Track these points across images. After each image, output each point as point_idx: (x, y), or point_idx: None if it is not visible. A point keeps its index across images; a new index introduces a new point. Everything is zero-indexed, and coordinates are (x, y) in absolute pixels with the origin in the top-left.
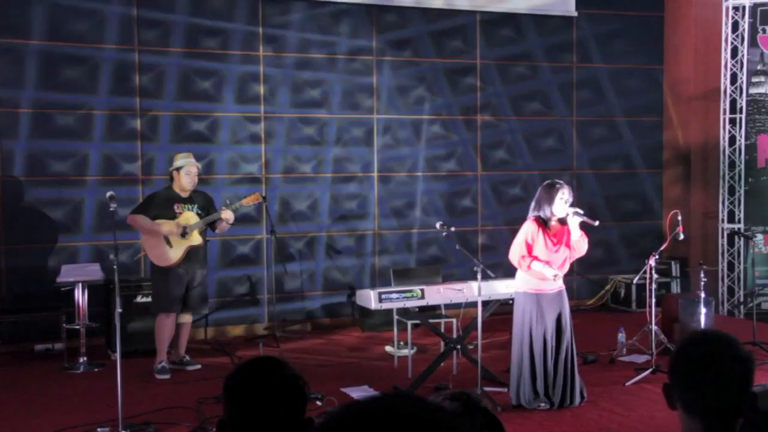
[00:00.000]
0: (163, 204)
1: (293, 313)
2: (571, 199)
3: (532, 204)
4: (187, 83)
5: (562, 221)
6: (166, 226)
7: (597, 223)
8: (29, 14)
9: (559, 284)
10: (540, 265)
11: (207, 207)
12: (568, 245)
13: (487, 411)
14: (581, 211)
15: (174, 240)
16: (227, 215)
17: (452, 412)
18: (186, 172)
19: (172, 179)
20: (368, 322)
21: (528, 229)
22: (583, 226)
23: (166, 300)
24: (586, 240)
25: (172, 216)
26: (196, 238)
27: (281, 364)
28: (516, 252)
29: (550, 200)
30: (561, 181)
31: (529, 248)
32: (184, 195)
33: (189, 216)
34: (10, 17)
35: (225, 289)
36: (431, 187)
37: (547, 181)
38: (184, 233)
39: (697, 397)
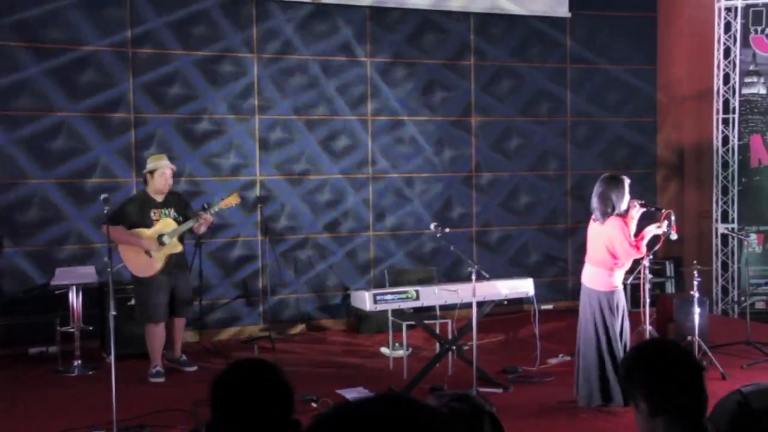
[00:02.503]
0: (139, 212)
1: (288, 314)
2: None
3: (600, 202)
4: (186, 87)
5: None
6: (144, 239)
7: (665, 211)
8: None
9: None
10: (649, 233)
11: (183, 208)
12: None
13: (493, 415)
14: (643, 201)
15: (153, 250)
16: (206, 219)
17: (459, 413)
18: (160, 174)
19: (145, 182)
20: (363, 324)
21: (622, 223)
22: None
23: (151, 310)
24: None
25: (149, 224)
26: (175, 245)
27: (266, 365)
28: (627, 245)
29: (623, 195)
30: (622, 174)
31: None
32: (160, 198)
33: (167, 222)
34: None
35: (220, 291)
36: (426, 188)
37: (606, 175)
38: (162, 242)
39: (667, 398)
